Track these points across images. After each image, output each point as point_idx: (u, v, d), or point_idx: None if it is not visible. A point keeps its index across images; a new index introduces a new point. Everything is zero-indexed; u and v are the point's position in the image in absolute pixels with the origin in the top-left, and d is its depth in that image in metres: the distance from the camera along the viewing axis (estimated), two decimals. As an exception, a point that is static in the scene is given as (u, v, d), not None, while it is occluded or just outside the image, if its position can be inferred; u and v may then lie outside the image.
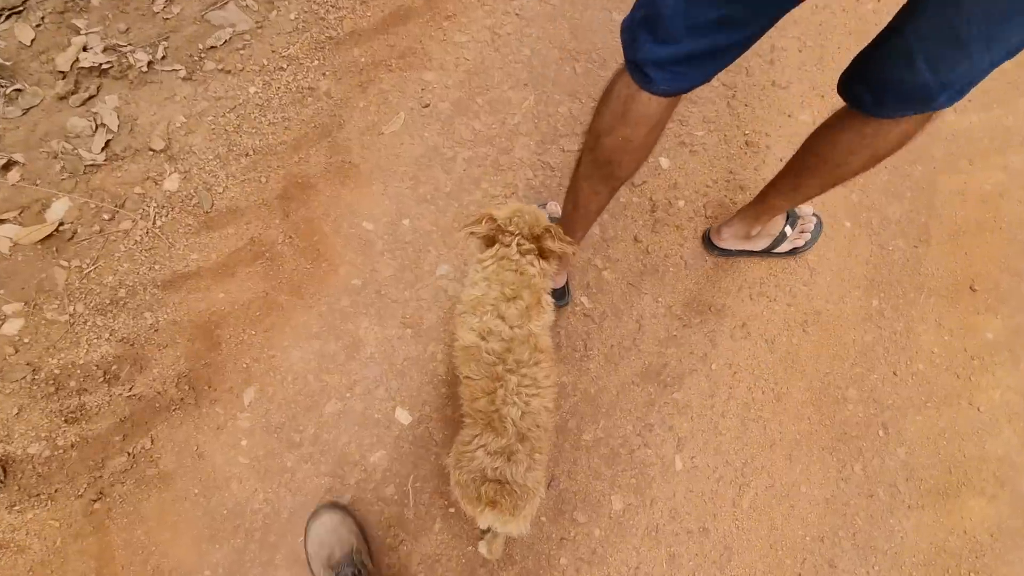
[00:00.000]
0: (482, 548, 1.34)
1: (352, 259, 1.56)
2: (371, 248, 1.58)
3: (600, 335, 1.53)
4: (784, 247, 1.57)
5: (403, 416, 1.41)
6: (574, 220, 1.33)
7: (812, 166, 1.23)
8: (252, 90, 1.69)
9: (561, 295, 1.49)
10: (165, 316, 1.39)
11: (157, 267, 1.43)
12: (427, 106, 1.81)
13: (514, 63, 1.89)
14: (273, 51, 1.77)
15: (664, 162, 1.70)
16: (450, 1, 1.98)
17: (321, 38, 1.89)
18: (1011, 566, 1.45)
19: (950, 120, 1.87)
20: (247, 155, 1.64)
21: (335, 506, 1.33)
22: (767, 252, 1.58)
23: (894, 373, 1.55)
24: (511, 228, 1.12)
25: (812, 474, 1.50)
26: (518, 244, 1.12)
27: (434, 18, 1.89)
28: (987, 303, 1.66)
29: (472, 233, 1.15)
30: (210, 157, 1.61)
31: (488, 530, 1.19)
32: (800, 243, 1.59)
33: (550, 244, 1.12)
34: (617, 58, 1.88)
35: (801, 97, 1.86)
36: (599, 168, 1.15)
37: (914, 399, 1.54)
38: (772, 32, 1.42)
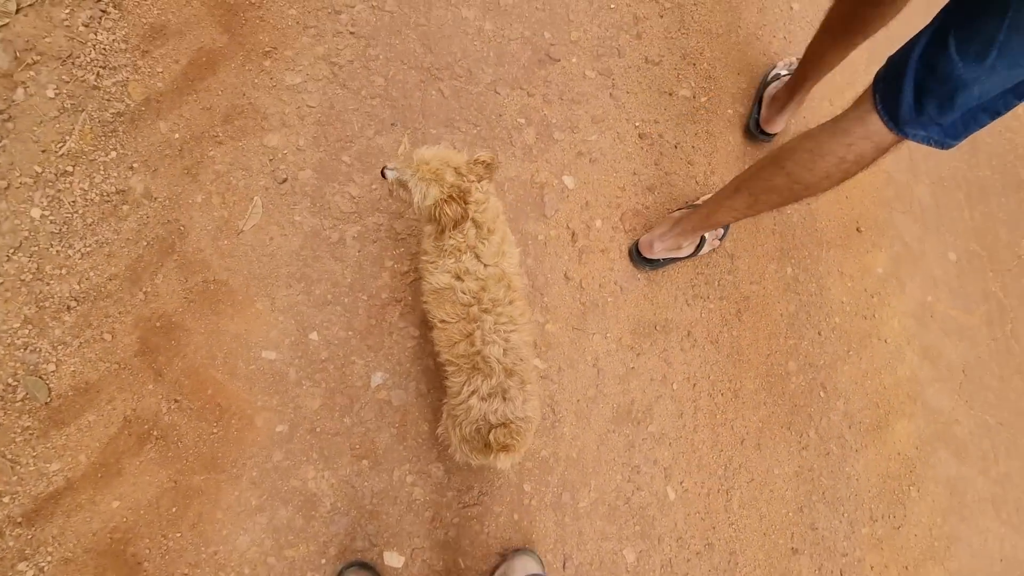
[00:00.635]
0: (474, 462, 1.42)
1: (266, 402, 1.49)
2: (284, 381, 1.50)
3: (563, 393, 1.66)
4: (706, 248, 1.79)
5: (394, 559, 1.31)
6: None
7: (780, 187, 1.34)
8: (36, 213, 1.50)
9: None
10: (51, 558, 1.27)
11: (7, 500, 1.29)
12: (284, 180, 1.52)
13: (370, 99, 1.80)
14: (43, 150, 1.55)
15: (568, 181, 1.61)
16: (263, 30, 1.78)
17: (106, 116, 1.64)
18: (935, 468, 1.73)
19: None
20: (68, 308, 1.46)
21: (364, 566, 1.38)
22: (693, 255, 1.78)
23: (819, 333, 1.69)
24: (462, 182, 1.18)
25: (779, 454, 1.80)
26: (479, 188, 1.19)
27: (250, 58, 1.79)
28: (872, 240, 1.84)
29: (442, 229, 1.19)
30: (16, 326, 1.40)
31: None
32: (717, 242, 1.83)
33: (485, 170, 1.21)
34: (483, 67, 1.89)
35: (676, 71, 2.07)
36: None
37: (839, 352, 1.72)
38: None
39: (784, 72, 2.04)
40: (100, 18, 1.71)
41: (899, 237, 2.03)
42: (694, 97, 1.95)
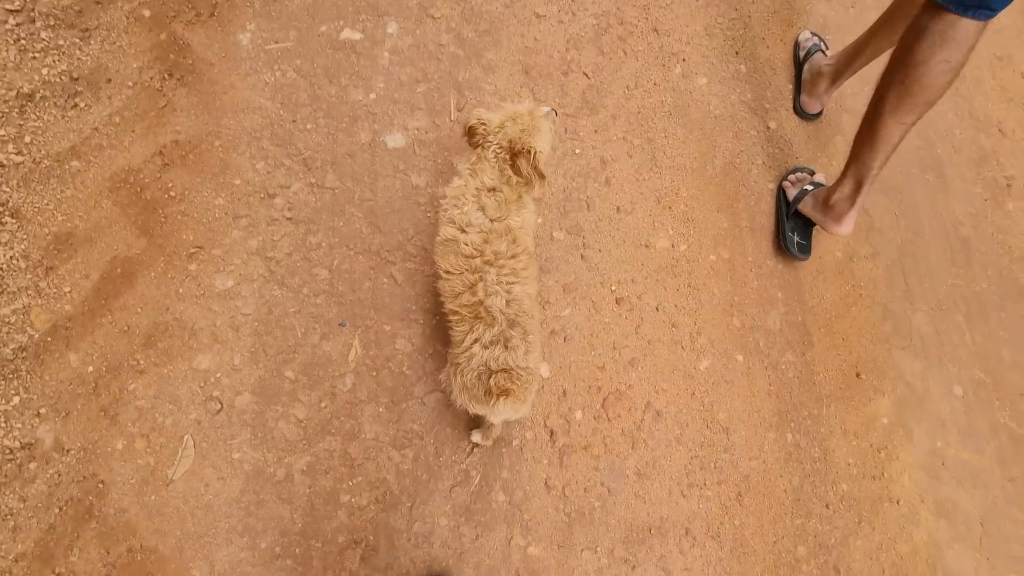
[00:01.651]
0: (475, 437, 1.48)
1: None
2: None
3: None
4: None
5: None
6: (872, 159, 1.59)
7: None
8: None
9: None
10: None
11: None
12: (220, 410, 1.33)
13: (313, 297, 1.62)
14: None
15: (544, 370, 1.41)
16: (186, 227, 1.61)
17: (5, 354, 1.45)
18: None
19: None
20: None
21: None
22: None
23: (827, 506, 1.53)
24: (492, 136, 1.25)
25: (796, 651, 1.68)
26: (495, 151, 1.25)
27: (172, 263, 1.62)
28: (873, 385, 1.69)
29: (464, 134, 1.31)
30: None
31: (482, 420, 1.37)
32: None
33: (522, 165, 1.23)
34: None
35: (651, 218, 1.92)
36: (911, 97, 1.43)
37: (849, 525, 1.57)
38: (599, 140, 1.82)
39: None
40: (-5, 231, 1.50)
41: (901, 377, 1.89)
42: (673, 247, 1.79)
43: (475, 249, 1.19)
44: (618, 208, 1.82)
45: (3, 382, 1.40)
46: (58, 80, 1.65)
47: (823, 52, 2.13)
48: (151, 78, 1.68)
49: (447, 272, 1.21)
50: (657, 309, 1.74)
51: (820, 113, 2.12)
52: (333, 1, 1.85)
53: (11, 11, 1.70)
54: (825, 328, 1.89)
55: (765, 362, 1.80)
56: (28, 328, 1.44)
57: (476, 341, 1.16)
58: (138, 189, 1.58)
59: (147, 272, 1.51)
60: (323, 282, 1.57)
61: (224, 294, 1.52)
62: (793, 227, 1.90)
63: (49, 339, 1.43)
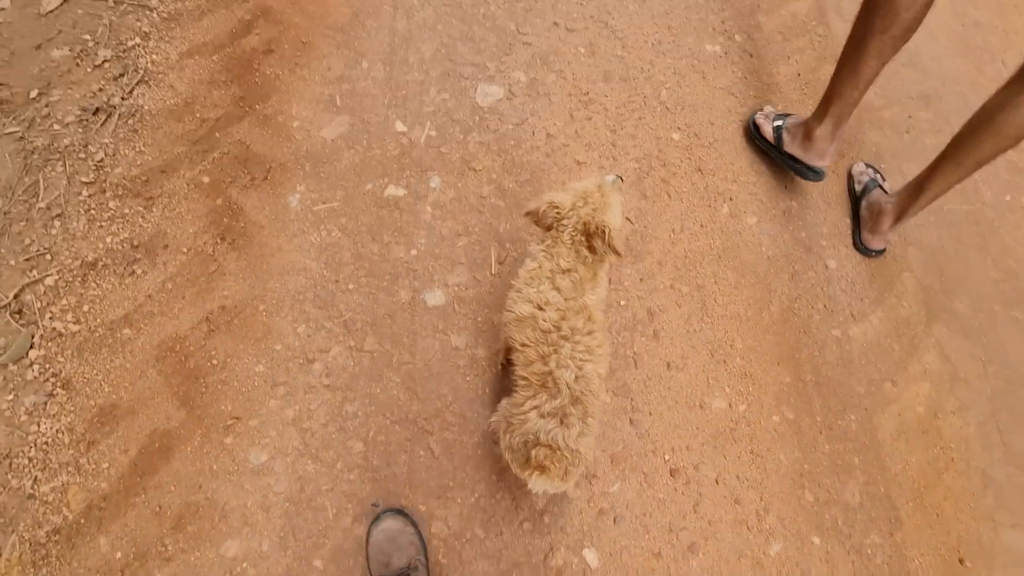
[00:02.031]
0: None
1: None
2: None
3: None
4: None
5: None
6: (855, 94, 1.75)
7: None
8: None
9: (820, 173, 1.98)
10: None
11: None
12: None
13: (347, 472, 1.55)
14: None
15: (591, 556, 1.32)
16: (225, 397, 1.59)
17: (39, 536, 1.42)
18: None
19: (856, 336, 1.91)
20: None
21: (399, 513, 1.42)
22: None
23: None
24: (566, 220, 1.27)
25: None
26: (571, 235, 1.27)
27: (209, 436, 1.66)
28: (980, 572, 1.38)
29: (531, 217, 1.33)
30: None
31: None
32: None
33: (597, 245, 1.25)
34: (477, 409, 1.64)
35: (705, 375, 1.80)
36: (895, 40, 1.56)
37: None
38: (644, 289, 1.75)
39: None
40: (45, 403, 1.53)
41: (1016, 562, 1.62)
42: (730, 407, 1.65)
43: (552, 325, 1.22)
44: (668, 364, 1.72)
45: (32, 567, 1.37)
46: (120, 248, 1.75)
47: (881, 188, 2.04)
48: (205, 242, 1.76)
49: (523, 344, 1.24)
50: (717, 482, 1.58)
51: (884, 249, 2.00)
52: (379, 160, 1.93)
53: (85, 183, 1.84)
54: (914, 501, 1.66)
55: (846, 545, 1.58)
56: (64, 508, 1.43)
57: (535, 408, 1.17)
58: (183, 357, 1.60)
59: (184, 446, 1.49)
60: (358, 455, 1.51)
61: (257, 470, 1.47)
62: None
63: (83, 521, 1.41)
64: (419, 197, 1.88)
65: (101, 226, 1.77)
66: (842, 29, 2.48)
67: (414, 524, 1.43)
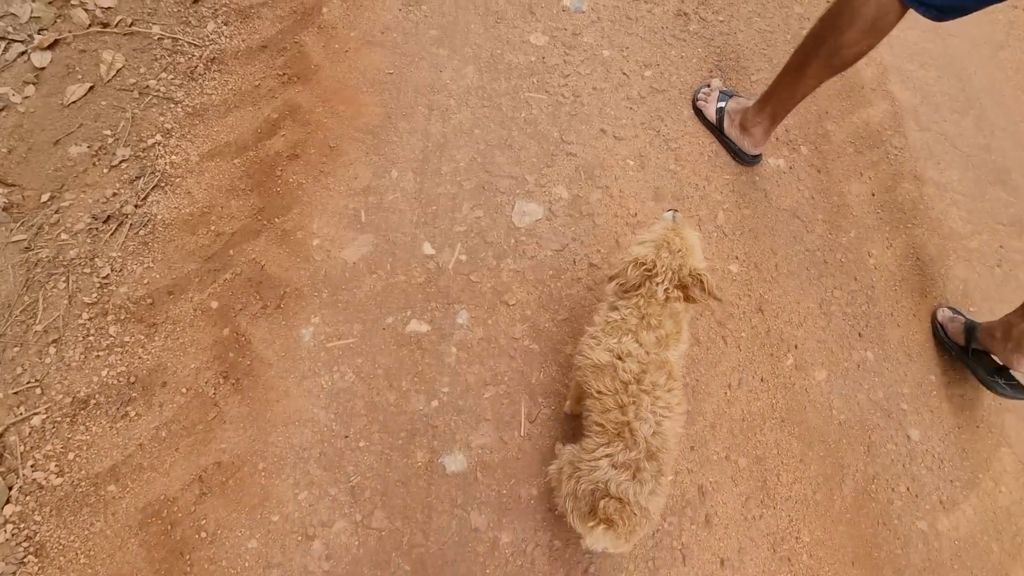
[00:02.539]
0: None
1: None
2: None
3: None
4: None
5: None
6: (787, 103, 1.85)
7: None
8: None
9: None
10: None
11: None
12: None
13: None
14: None
15: None
16: None
17: None
18: None
19: (946, 530, 1.64)
20: None
21: None
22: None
23: None
24: (658, 275, 1.22)
25: None
26: (666, 291, 1.22)
27: None
28: None
29: (620, 285, 1.27)
30: None
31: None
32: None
33: (698, 295, 1.22)
34: None
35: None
36: (834, 70, 1.66)
37: None
38: (695, 460, 1.60)
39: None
40: (14, 574, 1.37)
41: None
42: (796, 621, 1.41)
43: (633, 377, 1.18)
44: (722, 561, 1.47)
45: None
46: (115, 383, 1.60)
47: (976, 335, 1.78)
48: (206, 382, 1.60)
49: (600, 392, 1.20)
50: None
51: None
52: (403, 288, 1.76)
53: (87, 304, 1.72)
54: None
55: None
56: None
57: (608, 456, 1.13)
58: (169, 525, 1.43)
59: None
60: (356, 666, 1.32)
61: None
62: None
63: None
64: (444, 335, 1.70)
65: (98, 356, 1.63)
66: (920, 140, 2.25)
67: None
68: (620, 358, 1.20)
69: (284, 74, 2.14)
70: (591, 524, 1.10)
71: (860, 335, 1.82)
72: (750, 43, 2.39)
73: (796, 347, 1.77)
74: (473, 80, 2.16)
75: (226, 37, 2.21)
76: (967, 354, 1.79)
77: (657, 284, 1.22)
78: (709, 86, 2.19)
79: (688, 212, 1.95)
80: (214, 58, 2.17)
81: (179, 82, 2.11)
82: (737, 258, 1.89)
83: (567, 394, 1.62)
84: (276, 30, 2.25)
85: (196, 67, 2.17)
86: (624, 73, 2.23)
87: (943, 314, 1.90)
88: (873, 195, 2.09)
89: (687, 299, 1.24)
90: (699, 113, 2.14)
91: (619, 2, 2.40)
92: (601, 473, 1.12)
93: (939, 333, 1.90)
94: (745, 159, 2.05)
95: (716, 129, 2.10)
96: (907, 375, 1.78)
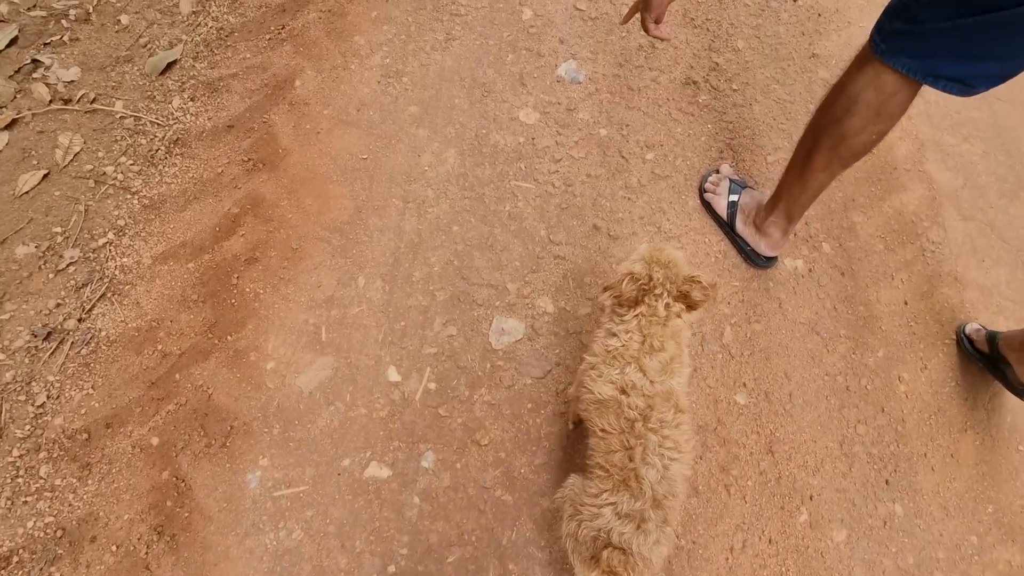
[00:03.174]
0: None
1: None
2: None
3: None
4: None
5: None
6: (800, 200, 1.62)
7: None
8: None
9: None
10: None
11: None
12: None
13: None
14: None
15: None
16: None
17: None
18: None
19: None
20: None
21: None
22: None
23: None
24: (656, 287, 1.20)
25: None
26: (666, 304, 1.19)
27: None
28: None
29: (615, 297, 1.24)
30: None
31: None
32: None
33: (698, 296, 1.20)
34: None
35: None
36: (845, 161, 1.46)
37: None
38: None
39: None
40: None
41: None
42: None
43: (639, 414, 1.13)
44: None
45: None
46: (42, 535, 1.45)
47: None
48: (139, 538, 1.45)
49: (603, 431, 1.15)
50: None
51: None
52: (363, 424, 1.58)
53: (19, 438, 1.58)
54: None
55: None
56: None
57: (611, 505, 1.09)
58: None
59: None
60: None
61: None
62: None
63: None
64: (406, 482, 1.52)
65: (26, 502, 1.49)
66: (962, 232, 1.99)
67: None
68: (624, 392, 1.16)
69: (249, 159, 1.98)
70: (593, 573, 1.07)
71: (887, 482, 1.58)
72: (767, 116, 2.15)
73: (811, 498, 1.55)
74: (454, 166, 1.97)
75: (191, 115, 2.07)
76: (993, 363, 1.70)
77: (656, 298, 1.20)
78: (719, 172, 1.96)
79: (691, 329, 1.73)
80: (177, 139, 2.02)
81: (138, 168, 1.97)
82: (745, 385, 1.67)
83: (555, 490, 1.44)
84: (244, 106, 2.09)
85: (157, 150, 2.03)
86: (623, 156, 2.02)
87: (969, 327, 1.76)
88: (906, 303, 1.84)
89: (690, 307, 1.23)
90: (707, 206, 1.92)
91: (620, 70, 2.18)
92: (603, 521, 1.08)
93: (965, 345, 1.77)
94: (759, 262, 1.82)
95: (726, 226, 1.87)
96: (943, 535, 1.54)
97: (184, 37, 2.24)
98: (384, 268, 1.79)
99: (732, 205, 1.85)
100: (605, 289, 1.25)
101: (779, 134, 2.11)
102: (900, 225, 1.98)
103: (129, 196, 1.92)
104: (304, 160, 1.98)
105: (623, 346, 1.20)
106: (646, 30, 1.40)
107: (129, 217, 1.87)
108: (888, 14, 1.24)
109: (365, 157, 1.98)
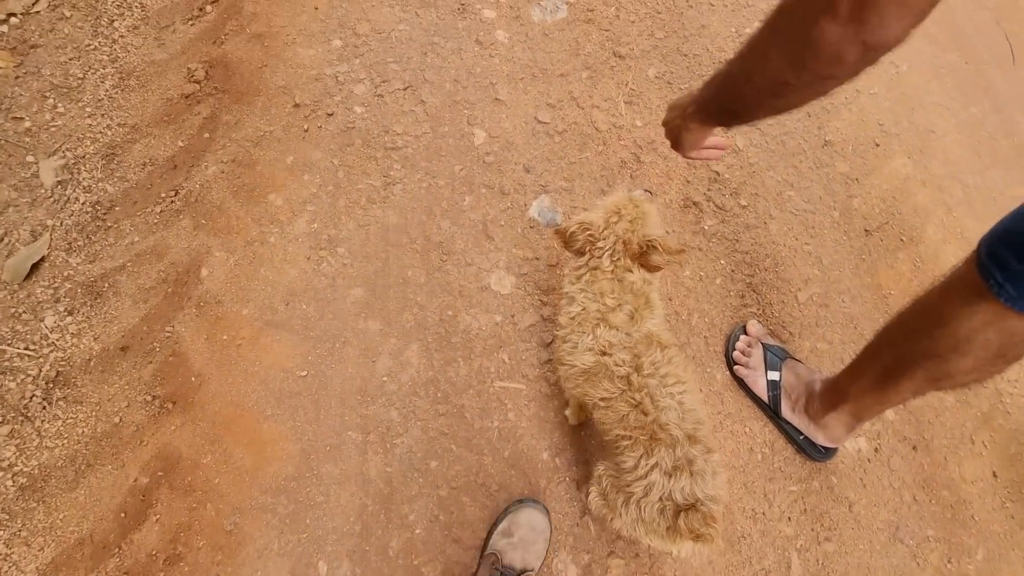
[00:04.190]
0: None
1: None
2: None
3: None
4: None
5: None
6: (875, 408, 1.32)
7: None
8: None
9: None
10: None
11: None
12: None
13: None
14: None
15: None
16: None
17: None
18: None
19: None
20: None
21: (547, 514, 1.37)
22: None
23: None
24: (602, 240, 1.18)
25: None
26: (611, 257, 1.17)
27: None
28: None
29: (563, 242, 1.24)
30: None
31: None
32: None
33: (657, 260, 1.17)
34: None
35: None
36: (944, 389, 1.19)
37: None
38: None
39: None
40: None
41: None
42: None
43: (630, 367, 1.09)
44: None
45: None
46: None
47: None
48: None
49: (604, 400, 1.10)
50: None
51: None
52: None
53: None
54: None
55: None
56: None
57: (655, 467, 1.02)
58: None
59: None
60: None
61: None
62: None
63: None
64: None
65: None
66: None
67: (548, 538, 1.34)
68: (605, 353, 1.12)
69: (155, 398, 1.54)
70: (678, 543, 1.03)
71: None
72: (787, 236, 1.78)
73: None
74: (420, 369, 1.56)
75: (72, 336, 1.60)
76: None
77: (600, 251, 1.16)
78: (746, 332, 1.61)
79: (746, 566, 1.39)
80: (57, 375, 1.56)
81: (7, 431, 1.52)
82: (827, 635, 1.36)
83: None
84: (140, 315, 1.64)
85: (31, 397, 1.57)
86: (627, 323, 1.66)
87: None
88: (995, 475, 1.53)
89: (648, 269, 1.19)
90: (741, 382, 1.57)
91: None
92: (659, 488, 1.03)
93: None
94: (816, 455, 1.47)
95: (769, 410, 1.52)
96: None
97: (50, 222, 1.77)
98: (350, 541, 1.39)
99: (774, 386, 1.49)
100: (556, 232, 1.24)
101: (805, 259, 1.76)
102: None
103: (10, 479, 1.47)
104: (226, 389, 1.55)
105: (583, 310, 1.16)
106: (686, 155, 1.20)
107: (2, 509, 1.43)
108: (1009, 246, 0.90)
109: (305, 374, 1.57)
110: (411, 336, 1.60)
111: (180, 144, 1.86)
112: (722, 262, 1.72)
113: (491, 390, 1.54)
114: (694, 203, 1.79)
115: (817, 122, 1.95)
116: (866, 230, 1.80)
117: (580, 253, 1.21)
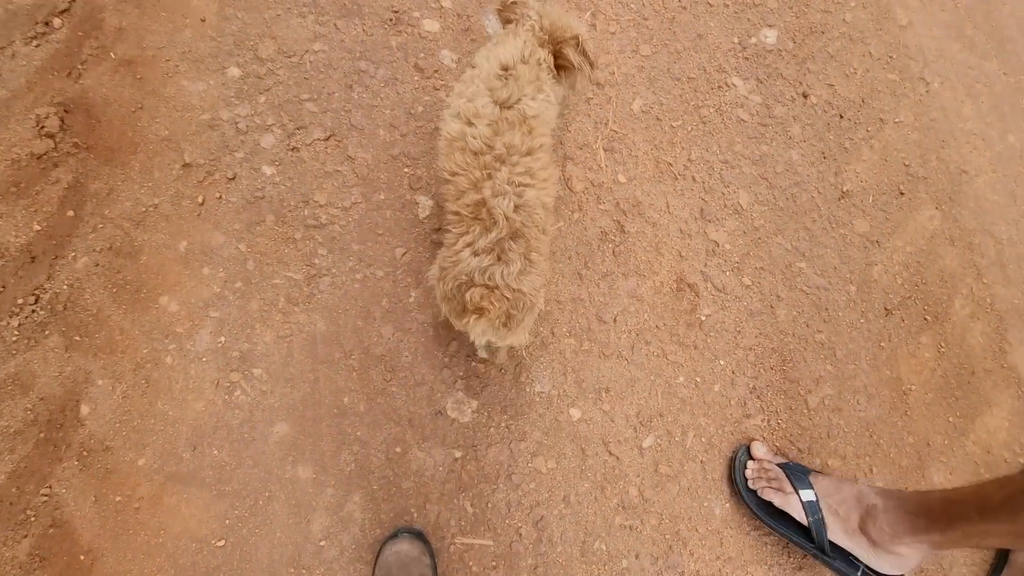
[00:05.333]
0: (480, 352, 1.34)
1: None
2: None
3: None
4: None
5: None
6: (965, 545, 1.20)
7: None
8: None
9: None
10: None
11: None
12: None
13: None
14: None
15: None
16: None
17: None
18: None
19: None
20: None
21: (418, 536, 1.26)
22: None
23: None
24: (532, 13, 1.13)
25: None
26: (531, 27, 1.11)
27: None
28: None
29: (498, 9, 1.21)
30: None
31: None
32: None
33: (569, 54, 1.13)
34: None
35: None
36: None
37: None
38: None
39: None
40: None
41: None
42: None
43: (484, 143, 1.05)
44: None
45: None
46: None
47: None
48: None
49: (453, 173, 1.07)
50: None
51: None
52: None
53: None
54: None
55: None
56: None
57: (468, 245, 1.03)
58: None
59: None
60: None
61: None
62: None
63: None
64: None
65: None
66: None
67: (431, 555, 1.24)
68: (469, 123, 1.06)
69: (35, 584, 1.27)
70: (465, 320, 1.01)
71: None
72: (796, 323, 1.50)
73: None
74: (365, 526, 1.30)
75: (-79, 504, 1.29)
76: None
77: (528, 17, 1.11)
78: (751, 455, 1.34)
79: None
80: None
81: None
82: None
83: None
84: (5, 471, 1.31)
85: None
86: (610, 452, 1.40)
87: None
88: None
89: (561, 60, 1.13)
90: (762, 508, 1.31)
91: (582, 287, 1.47)
92: (464, 265, 1.02)
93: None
94: None
95: (804, 539, 1.27)
96: None
97: None
98: None
99: (813, 508, 1.24)
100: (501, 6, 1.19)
101: (816, 352, 1.51)
102: (995, 462, 1.49)
103: None
104: (125, 569, 1.26)
105: (476, 69, 1.11)
106: None
107: None
108: None
109: (222, 543, 1.29)
110: (352, 483, 1.33)
111: (36, 227, 1.44)
112: (721, 363, 1.47)
113: (453, 547, 1.30)
114: (689, 285, 1.49)
115: (834, 166, 1.64)
116: (886, 308, 1.56)
117: (508, 22, 1.18)
